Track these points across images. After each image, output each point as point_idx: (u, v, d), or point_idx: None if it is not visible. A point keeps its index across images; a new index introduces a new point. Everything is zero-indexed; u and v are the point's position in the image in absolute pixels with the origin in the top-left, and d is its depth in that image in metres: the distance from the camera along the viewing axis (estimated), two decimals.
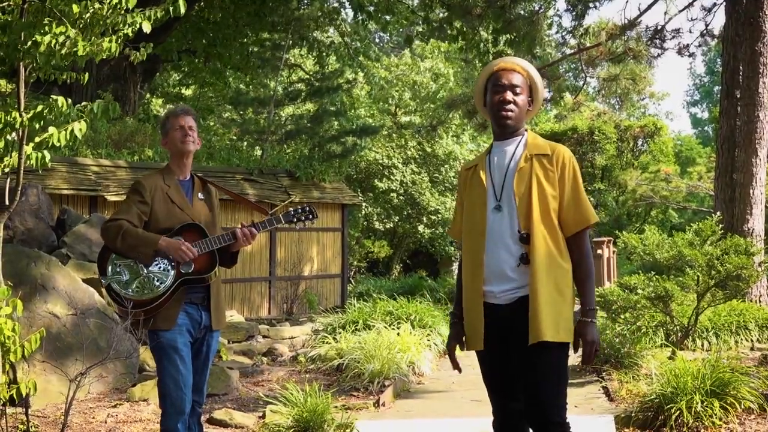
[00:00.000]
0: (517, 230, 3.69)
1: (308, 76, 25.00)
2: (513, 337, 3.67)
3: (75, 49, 5.38)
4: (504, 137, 3.88)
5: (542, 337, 3.56)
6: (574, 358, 3.83)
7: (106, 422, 6.92)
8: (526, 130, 3.91)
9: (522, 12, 17.68)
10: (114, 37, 5.55)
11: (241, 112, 25.70)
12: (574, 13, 17.65)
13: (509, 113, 3.80)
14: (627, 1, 18.99)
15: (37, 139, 5.46)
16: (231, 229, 4.79)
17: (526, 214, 3.68)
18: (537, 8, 18.18)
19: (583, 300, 3.76)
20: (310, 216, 4.99)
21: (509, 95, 3.80)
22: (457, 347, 3.97)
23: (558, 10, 33.47)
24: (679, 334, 9.09)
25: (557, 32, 18.98)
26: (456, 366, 4.00)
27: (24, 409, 6.01)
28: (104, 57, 5.57)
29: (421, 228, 27.01)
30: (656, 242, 9.09)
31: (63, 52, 5.36)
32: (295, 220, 4.97)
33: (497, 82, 3.84)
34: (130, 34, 5.66)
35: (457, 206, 4.08)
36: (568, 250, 3.74)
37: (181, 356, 4.54)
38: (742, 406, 6.23)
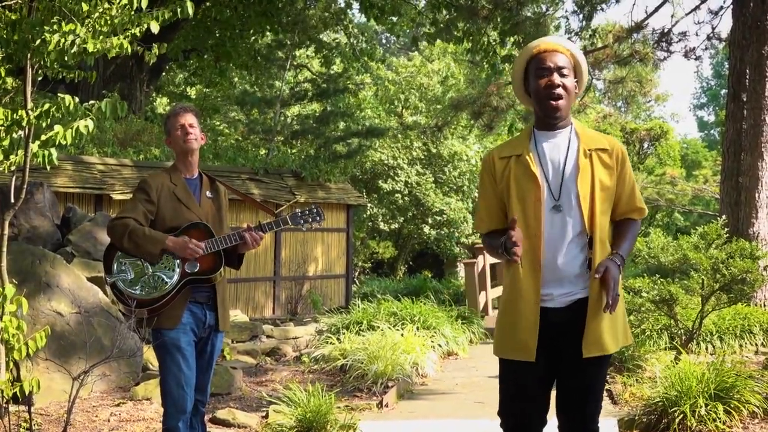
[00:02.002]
0: (580, 233, 3.45)
1: (314, 77, 25.03)
2: (561, 344, 3.47)
3: (85, 46, 5.39)
4: (552, 127, 3.57)
5: (606, 350, 3.42)
6: None
7: (109, 421, 6.92)
8: (572, 119, 3.63)
9: (529, 14, 17.67)
10: (122, 36, 5.56)
11: (247, 113, 25.74)
12: (581, 15, 17.64)
13: (559, 99, 3.49)
14: (634, 4, 19.11)
15: (43, 137, 5.47)
16: (238, 229, 4.78)
17: (590, 216, 3.44)
18: (544, 10, 18.16)
19: (619, 246, 3.53)
20: (318, 217, 4.94)
21: (557, 78, 3.48)
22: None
23: (566, 12, 33.44)
24: (684, 337, 9.07)
25: (565, 34, 18.91)
26: (518, 252, 3.37)
27: (27, 407, 6.00)
28: (116, 54, 5.57)
29: (426, 229, 27.00)
30: (661, 245, 9.07)
31: (73, 50, 5.36)
32: (302, 221, 4.92)
33: (541, 65, 3.51)
34: (138, 34, 5.67)
35: (487, 196, 3.68)
36: (616, 229, 3.57)
37: (184, 355, 4.54)
38: (747, 410, 6.21)
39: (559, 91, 3.49)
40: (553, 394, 3.61)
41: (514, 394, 3.60)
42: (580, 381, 3.50)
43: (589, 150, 3.53)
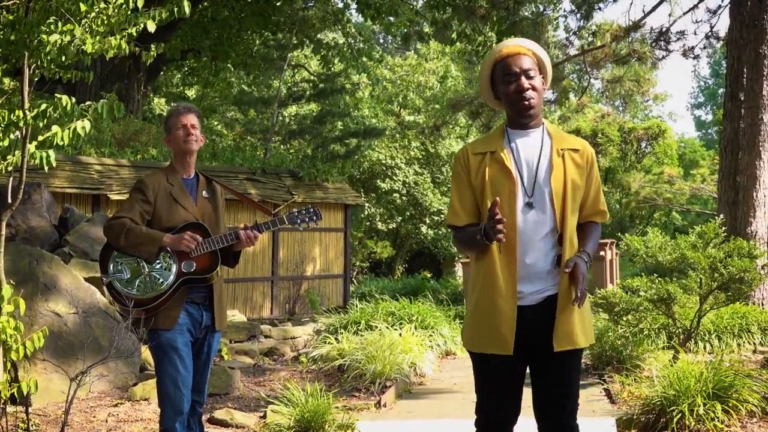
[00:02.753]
0: (551, 230, 3.50)
1: (312, 77, 25.03)
2: (533, 341, 3.50)
3: (83, 46, 5.38)
4: (524, 126, 3.62)
5: (578, 344, 3.48)
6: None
7: (107, 421, 6.91)
8: (543, 119, 3.70)
9: (527, 14, 17.68)
10: (119, 36, 5.56)
11: (245, 112, 25.73)
12: (579, 15, 17.65)
13: (531, 101, 3.55)
14: (632, 3, 19.11)
15: (40, 138, 5.46)
16: (234, 228, 4.78)
17: (562, 213, 3.50)
18: (542, 9, 18.17)
19: (585, 244, 3.60)
20: (314, 217, 4.93)
21: (525, 82, 3.54)
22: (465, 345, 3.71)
23: (564, 11, 33.44)
24: (682, 336, 9.07)
25: (563, 33, 18.96)
26: (502, 231, 3.33)
27: (25, 408, 6.00)
28: (114, 54, 5.57)
29: (423, 229, 27.03)
30: (659, 244, 9.06)
31: (71, 50, 5.35)
32: (299, 221, 4.92)
33: (507, 70, 3.57)
34: (134, 34, 5.66)
35: (460, 192, 3.68)
36: (580, 231, 3.62)
37: (180, 356, 4.53)
38: (745, 409, 6.21)
39: (530, 93, 3.56)
40: (530, 395, 3.64)
41: (489, 389, 3.65)
42: (554, 377, 3.54)
43: (561, 149, 3.59)
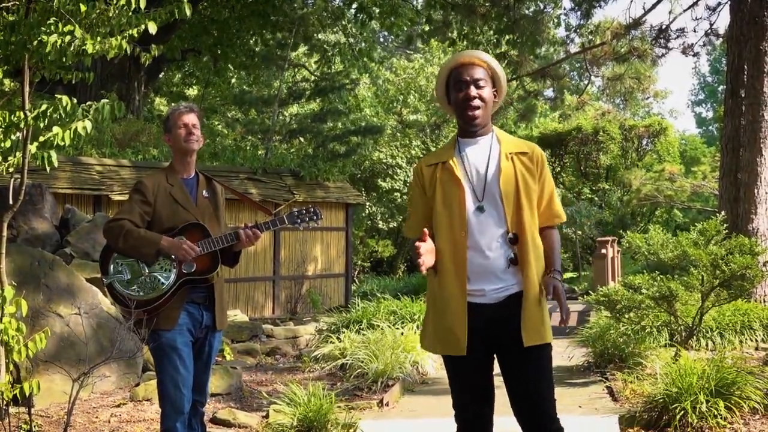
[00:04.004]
0: (504, 232, 3.63)
1: (313, 76, 25.02)
2: (501, 338, 3.62)
3: (84, 47, 5.38)
4: (473, 134, 3.77)
5: (546, 338, 3.59)
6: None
7: (109, 422, 6.92)
8: (492, 127, 3.84)
9: (527, 12, 17.67)
10: (119, 37, 5.55)
11: (245, 112, 25.71)
12: (579, 13, 17.64)
13: (476, 110, 3.70)
14: (632, 0, 19.07)
15: (41, 139, 5.46)
16: (234, 228, 4.78)
17: (515, 215, 3.63)
18: (542, 7, 18.17)
19: (551, 261, 3.73)
20: (315, 217, 4.93)
21: (473, 90, 3.70)
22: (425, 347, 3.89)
23: (565, 9, 33.46)
24: (684, 333, 9.06)
25: (564, 31, 18.96)
26: (422, 263, 3.51)
27: (27, 409, 6.00)
28: (114, 55, 5.57)
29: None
30: (660, 242, 9.06)
31: (71, 50, 5.35)
32: (299, 221, 4.91)
33: (459, 78, 3.74)
34: (135, 35, 5.66)
35: (417, 203, 3.87)
36: (543, 242, 3.74)
37: (180, 356, 4.53)
38: (747, 406, 6.21)
39: (476, 102, 3.71)
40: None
41: (461, 386, 3.79)
42: (525, 372, 3.63)
43: (510, 153, 3.74)
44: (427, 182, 3.81)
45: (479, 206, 3.66)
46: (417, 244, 3.51)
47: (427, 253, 3.54)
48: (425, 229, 3.57)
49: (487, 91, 3.74)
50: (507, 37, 18.02)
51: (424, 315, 3.91)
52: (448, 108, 3.92)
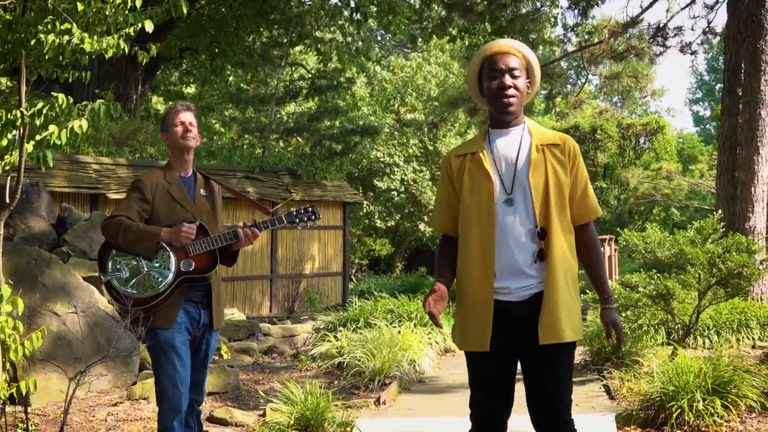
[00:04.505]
0: (533, 225, 3.55)
1: (310, 74, 25.01)
2: (525, 336, 3.53)
3: (81, 46, 5.37)
4: (505, 125, 3.69)
5: (563, 338, 3.50)
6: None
7: (106, 420, 6.91)
8: (524, 117, 3.76)
9: (524, 10, 17.67)
10: (116, 35, 5.55)
11: (242, 111, 25.70)
12: (576, 11, 17.65)
13: (511, 99, 3.61)
14: None
15: (38, 137, 5.45)
16: (232, 227, 4.77)
17: (544, 208, 3.54)
18: (539, 6, 18.17)
19: (602, 289, 3.70)
20: (313, 217, 4.93)
21: (508, 79, 3.61)
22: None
23: (562, 7, 33.47)
24: (681, 332, 9.08)
25: (561, 30, 18.96)
26: (437, 323, 3.60)
27: (24, 408, 5.99)
28: (112, 54, 5.56)
29: (422, 226, 27.01)
30: (658, 240, 9.07)
31: (69, 49, 5.35)
32: (297, 220, 4.91)
33: (493, 66, 3.65)
34: (132, 33, 5.65)
35: (442, 195, 3.83)
36: (576, 242, 3.66)
37: (178, 355, 4.53)
38: (744, 405, 6.21)
39: (511, 91, 3.62)
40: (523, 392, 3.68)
41: (480, 384, 3.70)
42: (544, 371, 3.57)
43: (541, 145, 3.64)
44: (455, 174, 3.74)
45: (508, 199, 3.58)
46: (429, 300, 3.55)
47: (437, 303, 3.56)
48: (442, 286, 3.60)
49: (521, 81, 3.67)
50: (505, 35, 18.02)
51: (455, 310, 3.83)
52: (480, 99, 3.84)
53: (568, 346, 3.58)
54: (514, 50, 3.69)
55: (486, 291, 3.55)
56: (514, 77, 3.63)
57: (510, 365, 3.65)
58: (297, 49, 26.43)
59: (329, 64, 24.61)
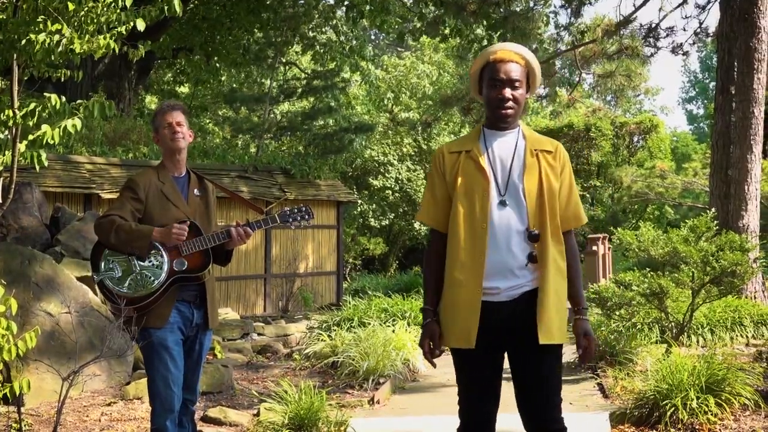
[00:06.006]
0: (525, 228, 3.56)
1: (303, 74, 24.99)
2: (514, 335, 3.56)
3: (72, 46, 5.36)
4: (501, 128, 3.71)
5: (554, 339, 3.52)
6: (568, 356, 3.79)
7: (100, 420, 6.90)
8: (519, 121, 3.79)
9: (517, 9, 17.67)
10: (108, 35, 5.54)
11: (236, 110, 25.65)
12: (569, 10, 17.65)
13: (509, 110, 3.65)
14: None
15: (30, 137, 5.44)
16: (226, 226, 4.77)
17: (538, 212, 3.57)
18: (532, 5, 18.17)
19: (578, 299, 3.71)
20: (306, 216, 4.93)
21: (508, 92, 3.63)
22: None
23: (555, 6, 33.54)
24: (674, 330, 9.09)
25: (554, 29, 18.94)
26: (433, 362, 3.77)
27: (17, 408, 5.99)
28: (102, 54, 5.55)
29: (416, 225, 27.02)
30: (651, 239, 9.08)
31: (59, 49, 5.34)
32: (290, 220, 4.91)
33: (495, 75, 3.65)
34: (124, 32, 5.64)
35: (433, 189, 3.80)
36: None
37: (171, 355, 4.52)
38: (738, 403, 6.22)
39: (510, 104, 3.66)
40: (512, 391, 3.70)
41: (468, 382, 3.72)
42: (535, 371, 3.60)
43: (535, 150, 3.68)
44: (448, 169, 3.74)
45: (502, 200, 3.60)
46: (425, 350, 3.68)
47: (434, 349, 3.69)
48: (435, 327, 3.69)
49: (521, 92, 3.69)
50: (499, 32, 18.01)
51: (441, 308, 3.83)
52: (480, 97, 3.85)
53: (557, 347, 3.61)
54: (517, 57, 3.71)
55: (474, 290, 3.56)
56: (514, 88, 3.66)
57: (497, 364, 3.68)
58: (292, 48, 26.40)
59: (324, 64, 24.57)
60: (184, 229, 4.53)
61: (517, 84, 3.66)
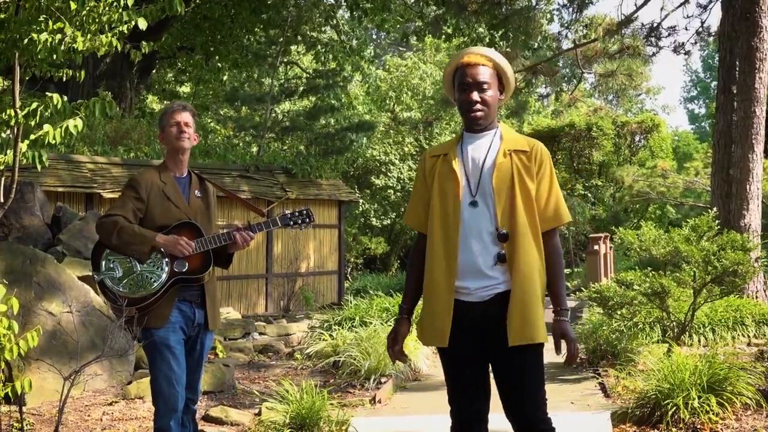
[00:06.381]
0: (494, 228, 3.61)
1: (305, 73, 24.99)
2: (489, 336, 3.60)
3: (74, 45, 5.37)
4: (477, 130, 3.78)
5: (529, 339, 3.54)
6: (560, 357, 3.78)
7: (101, 420, 6.90)
8: (499, 122, 3.83)
9: (518, 7, 17.67)
10: (109, 34, 5.54)
11: (237, 110, 25.65)
12: (571, 8, 17.65)
13: (478, 113, 3.72)
14: None
15: (32, 137, 5.45)
16: (228, 228, 4.76)
17: (508, 212, 3.61)
18: (534, 3, 18.17)
19: (558, 300, 3.72)
20: (307, 220, 4.93)
21: (475, 95, 3.70)
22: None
23: (557, 4, 33.53)
24: (676, 330, 9.08)
25: (556, 27, 18.97)
26: (402, 358, 3.93)
27: (19, 408, 5.99)
28: (104, 52, 5.55)
29: None
30: (653, 238, 9.07)
31: (62, 48, 5.34)
32: (291, 223, 4.91)
33: (463, 79, 3.74)
34: (126, 31, 5.65)
35: (417, 192, 3.92)
36: (546, 259, 3.71)
37: (173, 354, 4.52)
38: (739, 402, 6.22)
39: (478, 106, 3.72)
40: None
41: (454, 381, 3.78)
42: (513, 371, 3.62)
43: (509, 150, 3.72)
44: (428, 173, 3.84)
45: (472, 201, 3.65)
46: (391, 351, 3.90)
47: (397, 347, 3.88)
48: (404, 326, 3.87)
49: (490, 93, 3.74)
50: (500, 31, 18.01)
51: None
52: (454, 102, 3.91)
53: (535, 347, 3.62)
54: (484, 59, 3.77)
55: (447, 290, 3.64)
56: (482, 90, 3.72)
57: (479, 364, 3.71)
58: (293, 48, 26.41)
59: (325, 64, 24.60)
60: (191, 245, 4.53)
61: (485, 86, 3.72)
